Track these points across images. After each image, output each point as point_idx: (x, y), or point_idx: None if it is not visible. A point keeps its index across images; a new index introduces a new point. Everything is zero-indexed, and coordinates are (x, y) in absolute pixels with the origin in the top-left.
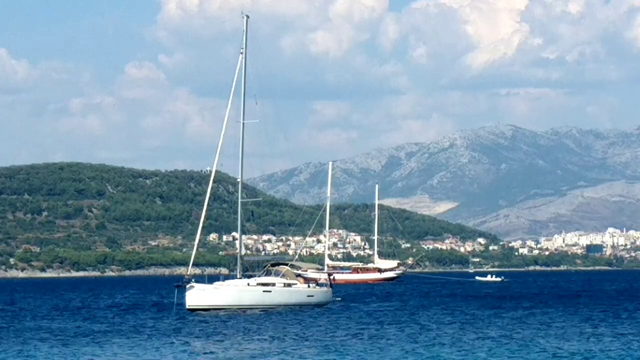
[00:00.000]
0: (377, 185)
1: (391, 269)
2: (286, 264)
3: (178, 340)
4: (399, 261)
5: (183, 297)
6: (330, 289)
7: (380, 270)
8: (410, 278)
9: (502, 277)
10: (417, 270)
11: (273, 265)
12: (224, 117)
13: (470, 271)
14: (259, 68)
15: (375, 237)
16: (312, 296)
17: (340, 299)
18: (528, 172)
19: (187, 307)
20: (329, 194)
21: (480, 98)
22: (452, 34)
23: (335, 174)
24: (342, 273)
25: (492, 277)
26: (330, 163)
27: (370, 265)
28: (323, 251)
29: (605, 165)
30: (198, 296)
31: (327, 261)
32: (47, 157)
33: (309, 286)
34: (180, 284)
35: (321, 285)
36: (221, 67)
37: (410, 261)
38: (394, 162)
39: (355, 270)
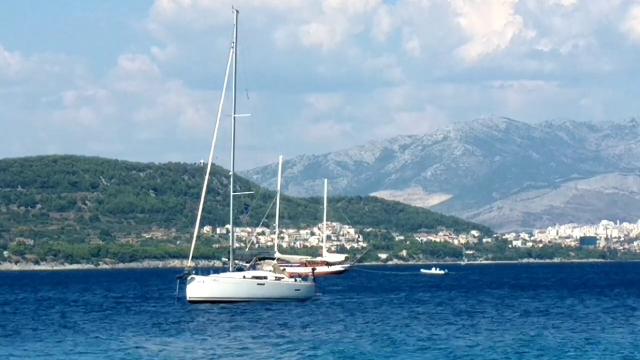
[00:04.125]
0: (325, 180)
1: (339, 263)
2: (273, 258)
3: (189, 331)
4: (346, 255)
5: (184, 289)
6: (314, 283)
7: (328, 264)
8: (358, 272)
9: (446, 270)
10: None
11: (260, 259)
12: (217, 111)
13: (462, 264)
14: (252, 61)
15: (324, 230)
16: (299, 290)
17: (321, 294)
18: (522, 165)
19: (187, 298)
20: (278, 187)
21: (474, 90)
22: (446, 26)
23: (329, 166)
24: (291, 266)
25: (436, 269)
26: (281, 157)
27: (318, 259)
28: (273, 244)
29: (599, 157)
30: (198, 288)
31: (277, 254)
32: (40, 149)
33: (295, 280)
34: (181, 276)
35: (305, 279)
36: (214, 59)
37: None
38: (388, 154)
39: (304, 263)
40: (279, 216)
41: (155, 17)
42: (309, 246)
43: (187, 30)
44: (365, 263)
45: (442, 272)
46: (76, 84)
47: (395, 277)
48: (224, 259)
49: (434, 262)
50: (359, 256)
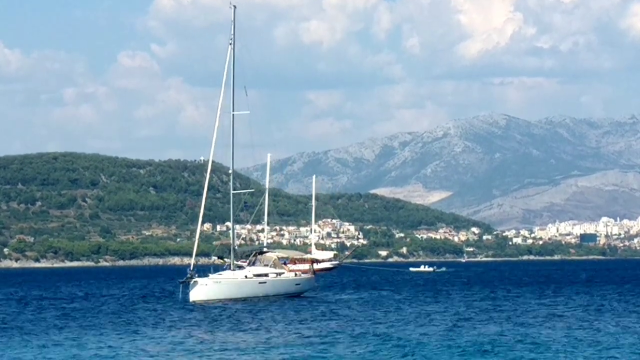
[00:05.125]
0: (314, 176)
1: (328, 260)
2: (266, 252)
3: (196, 332)
4: (335, 252)
5: (187, 292)
6: (313, 276)
7: (317, 261)
8: (346, 269)
9: (434, 267)
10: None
11: (259, 253)
12: (217, 108)
13: (463, 261)
14: (253, 59)
15: (312, 228)
16: (299, 285)
17: (318, 285)
18: (522, 162)
19: (190, 301)
20: (267, 185)
21: (474, 87)
22: (446, 23)
23: (329, 163)
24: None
25: (424, 267)
26: (269, 155)
27: (307, 256)
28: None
29: (599, 154)
30: (201, 291)
31: (265, 250)
32: (40, 147)
33: (295, 275)
34: (184, 280)
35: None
36: (214, 56)
37: (347, 252)
38: (388, 151)
39: (293, 260)
40: (269, 213)
41: (155, 15)
42: (309, 243)
43: (187, 28)
44: (366, 260)
45: (430, 269)
46: (76, 81)
47: (400, 274)
48: (212, 257)
49: (434, 259)
50: (347, 253)
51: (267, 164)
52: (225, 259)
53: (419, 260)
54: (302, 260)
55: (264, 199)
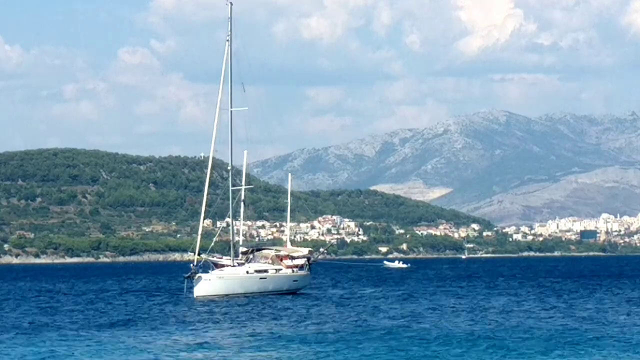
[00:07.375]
0: (290, 174)
1: (303, 256)
2: (270, 249)
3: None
4: (310, 248)
5: (192, 286)
6: (309, 273)
7: (292, 257)
8: (321, 265)
9: (408, 264)
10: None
11: (257, 250)
12: (216, 104)
13: (463, 257)
14: (254, 55)
15: (288, 224)
16: (297, 281)
17: (315, 282)
18: (522, 158)
19: (195, 296)
20: (243, 183)
21: (474, 84)
22: (446, 19)
23: (330, 159)
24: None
25: (399, 263)
26: (245, 152)
27: (281, 252)
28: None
29: (599, 151)
30: (205, 287)
31: (242, 248)
32: (41, 143)
33: (292, 271)
34: (189, 275)
35: (302, 269)
36: (214, 52)
37: (321, 249)
38: (388, 148)
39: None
40: (245, 210)
41: (155, 11)
42: (309, 239)
43: (187, 24)
44: (366, 256)
45: (405, 265)
46: (76, 77)
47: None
48: (190, 253)
49: (435, 256)
50: (322, 249)
51: (266, 160)
52: (203, 256)
53: (419, 256)
54: (277, 257)
55: (240, 196)
